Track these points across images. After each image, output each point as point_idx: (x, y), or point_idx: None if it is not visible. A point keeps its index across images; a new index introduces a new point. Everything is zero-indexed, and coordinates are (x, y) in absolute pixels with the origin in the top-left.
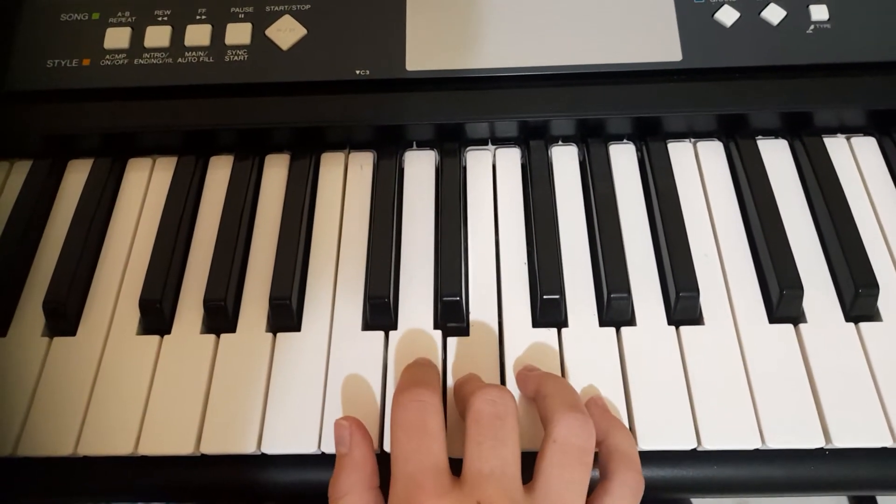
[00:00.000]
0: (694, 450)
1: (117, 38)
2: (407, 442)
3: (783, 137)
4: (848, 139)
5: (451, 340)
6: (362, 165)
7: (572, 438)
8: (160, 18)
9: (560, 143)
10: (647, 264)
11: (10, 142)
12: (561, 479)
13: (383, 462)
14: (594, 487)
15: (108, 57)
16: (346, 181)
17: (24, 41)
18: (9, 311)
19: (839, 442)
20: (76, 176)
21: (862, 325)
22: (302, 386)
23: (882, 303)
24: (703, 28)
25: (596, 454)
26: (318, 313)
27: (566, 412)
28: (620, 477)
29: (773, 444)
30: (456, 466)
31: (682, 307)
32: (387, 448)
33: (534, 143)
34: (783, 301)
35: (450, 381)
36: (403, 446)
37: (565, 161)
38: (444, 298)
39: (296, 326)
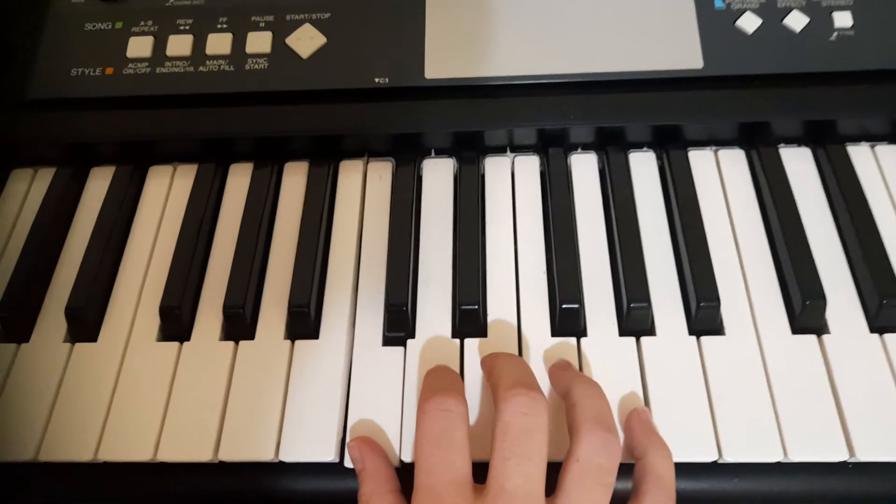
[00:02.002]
0: (714, 462)
1: (140, 46)
2: (431, 454)
3: (806, 145)
4: (872, 147)
5: (470, 342)
6: (381, 173)
7: (595, 458)
8: (182, 27)
9: (579, 150)
10: (667, 273)
11: (34, 149)
12: (580, 500)
13: (404, 475)
14: (624, 498)
15: (130, 65)
16: (364, 189)
17: (49, 50)
18: (31, 317)
19: (863, 455)
20: (98, 183)
21: (886, 336)
22: (320, 393)
23: None
24: (725, 35)
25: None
26: (336, 321)
27: (591, 429)
28: (651, 499)
29: (796, 456)
30: (479, 470)
31: (703, 317)
32: (405, 458)
33: (553, 151)
34: (806, 311)
35: (467, 384)
36: (427, 458)
37: (584, 169)
38: (463, 307)
39: (314, 334)
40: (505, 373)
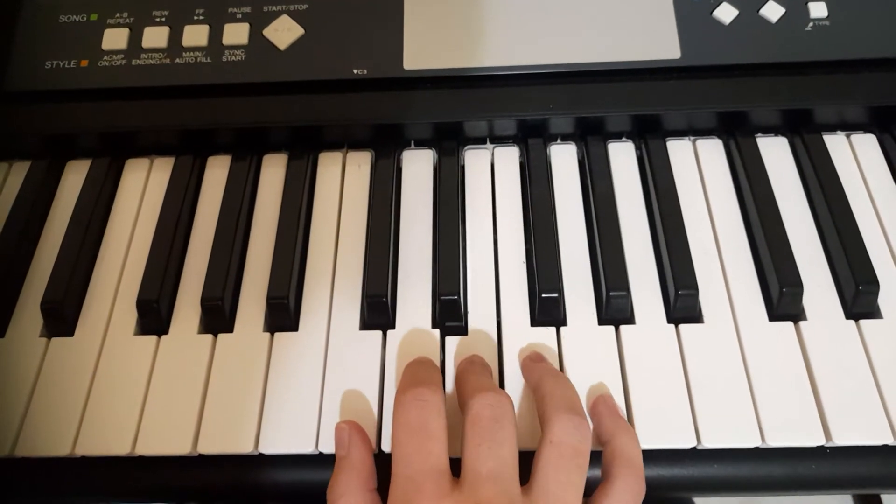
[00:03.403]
0: (693, 448)
1: (115, 38)
2: (408, 443)
3: (783, 135)
4: (848, 136)
5: (450, 339)
6: (360, 165)
7: (567, 439)
8: (158, 19)
9: (559, 141)
10: (646, 262)
11: (9, 143)
12: (557, 480)
13: (383, 462)
14: (595, 487)
15: (106, 58)
16: (343, 180)
17: (23, 42)
18: (7, 312)
19: (840, 440)
20: (74, 176)
21: (862, 322)
22: (299, 386)
23: (882, 300)
24: (702, 26)
25: (600, 453)
26: (315, 313)
27: (562, 414)
28: (622, 481)
29: (774, 442)
30: (455, 466)
31: (682, 305)
32: (385, 448)
33: (532, 142)
34: (783, 298)
35: (448, 382)
36: (404, 447)
37: (564, 159)
38: (443, 297)
39: (293, 326)
40: (473, 380)
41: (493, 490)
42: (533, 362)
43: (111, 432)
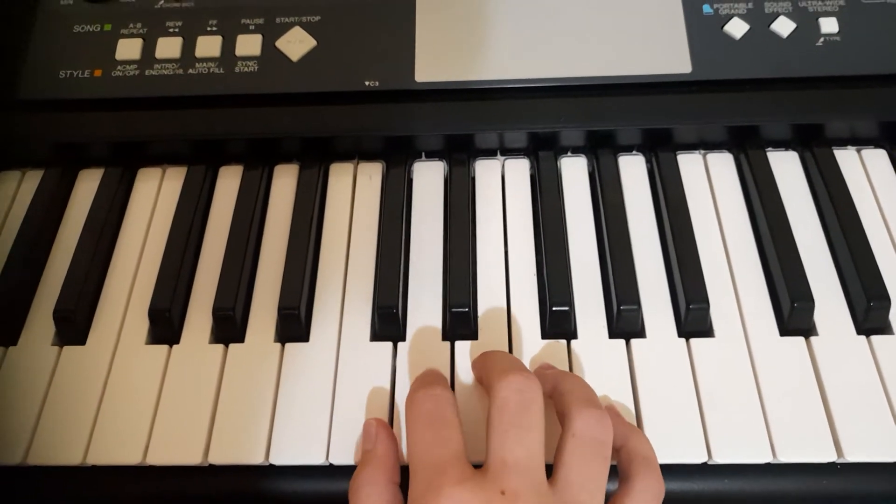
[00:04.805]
0: (704, 463)
1: (129, 49)
2: (425, 432)
3: (793, 149)
4: (858, 151)
5: (460, 344)
6: (371, 176)
7: (590, 431)
8: (171, 30)
9: (569, 153)
10: (656, 276)
11: (22, 151)
12: (581, 472)
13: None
14: (612, 492)
15: (119, 68)
16: (354, 191)
17: (37, 51)
18: (19, 320)
19: (851, 456)
20: (87, 185)
21: (874, 338)
22: (310, 396)
23: (894, 316)
24: (713, 40)
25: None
26: (326, 323)
27: (583, 407)
28: (642, 481)
29: (784, 457)
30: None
31: (692, 319)
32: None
33: (543, 154)
34: (794, 313)
35: (458, 387)
36: (422, 437)
37: (575, 172)
38: (453, 309)
39: (304, 336)
40: (497, 363)
41: (519, 479)
42: (544, 370)
43: (122, 441)
